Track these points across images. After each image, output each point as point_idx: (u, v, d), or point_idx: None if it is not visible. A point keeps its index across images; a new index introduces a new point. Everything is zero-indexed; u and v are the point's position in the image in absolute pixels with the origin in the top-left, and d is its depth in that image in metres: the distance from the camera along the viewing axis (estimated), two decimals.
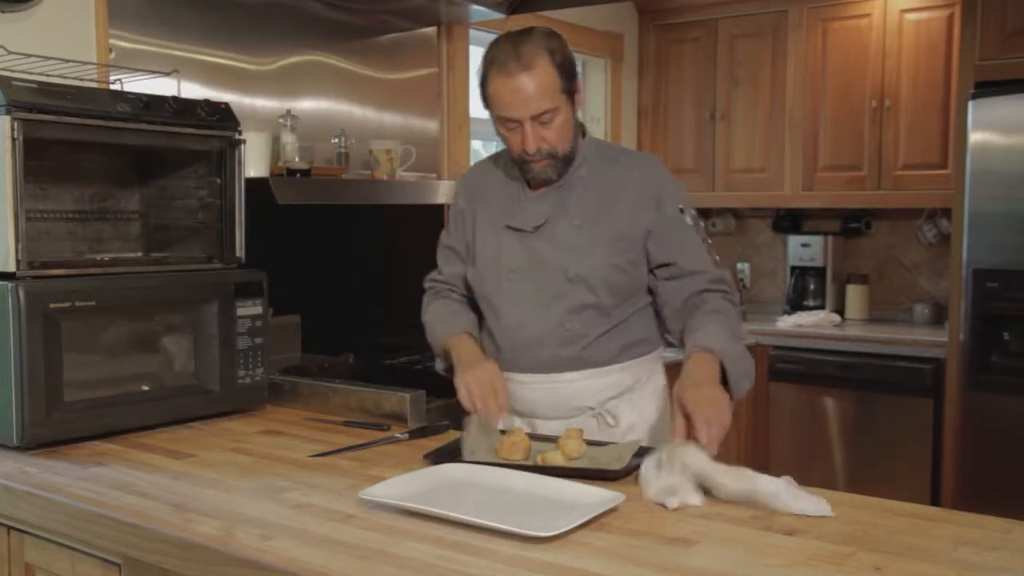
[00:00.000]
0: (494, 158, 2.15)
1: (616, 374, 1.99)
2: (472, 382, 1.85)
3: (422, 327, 2.16)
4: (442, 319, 2.09)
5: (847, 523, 1.43)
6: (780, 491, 1.49)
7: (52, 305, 1.91)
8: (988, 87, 3.36)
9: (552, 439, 1.86)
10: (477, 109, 3.74)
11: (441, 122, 3.54)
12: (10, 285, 1.87)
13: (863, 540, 1.36)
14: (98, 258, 2.19)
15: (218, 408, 2.22)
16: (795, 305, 4.34)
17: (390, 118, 3.31)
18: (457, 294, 2.16)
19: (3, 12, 2.27)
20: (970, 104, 3.38)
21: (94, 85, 2.30)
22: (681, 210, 1.98)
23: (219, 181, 2.27)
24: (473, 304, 2.11)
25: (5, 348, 1.87)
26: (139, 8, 2.56)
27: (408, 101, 3.39)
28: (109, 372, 2.04)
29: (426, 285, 2.21)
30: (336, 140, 2.99)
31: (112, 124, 2.05)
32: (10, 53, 2.12)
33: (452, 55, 3.55)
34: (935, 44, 3.84)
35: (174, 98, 2.18)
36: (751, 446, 4.02)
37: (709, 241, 2.05)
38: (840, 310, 4.27)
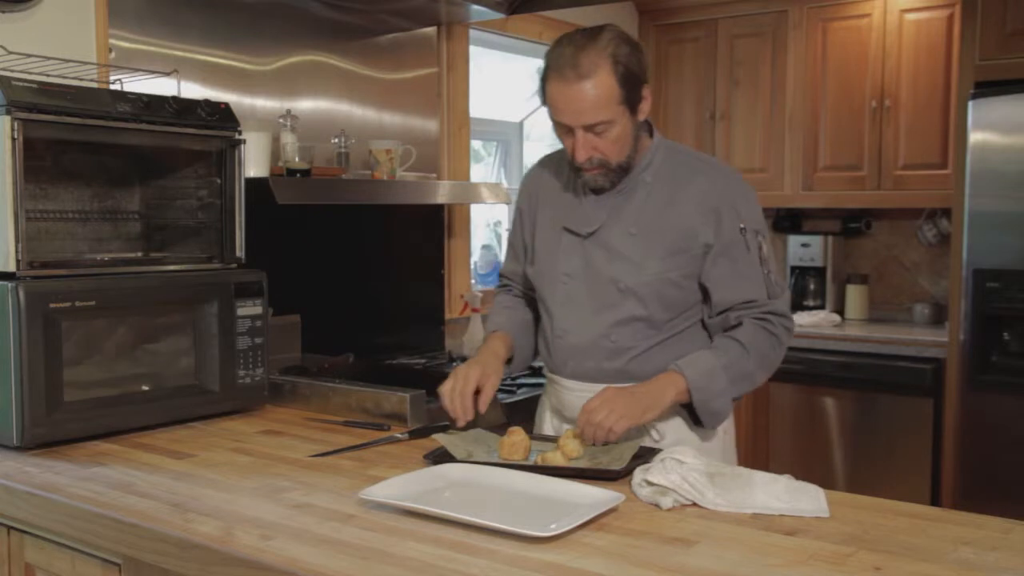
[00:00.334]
0: (560, 155, 2.02)
1: None
2: (454, 378, 1.86)
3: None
4: (494, 313, 2.12)
5: (847, 523, 1.43)
6: (772, 499, 1.49)
7: (52, 305, 1.91)
8: (988, 87, 3.36)
9: (552, 439, 1.87)
10: (477, 109, 3.75)
11: (441, 122, 3.54)
12: (10, 285, 1.87)
13: (863, 540, 1.36)
14: (98, 258, 2.19)
15: (218, 408, 2.22)
16: (795, 305, 4.34)
17: (390, 118, 3.31)
18: (517, 290, 2.15)
19: (3, 12, 2.27)
20: (970, 104, 3.39)
21: (94, 85, 2.30)
22: (743, 230, 1.85)
23: (219, 181, 2.27)
24: (533, 301, 2.08)
25: (5, 348, 1.87)
26: (139, 8, 2.56)
27: (408, 101, 3.39)
28: (109, 372, 2.04)
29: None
30: (336, 140, 2.99)
31: (112, 124, 2.04)
32: (10, 53, 2.12)
33: (452, 55, 3.55)
34: (935, 44, 3.84)
35: (174, 98, 2.18)
36: (751, 446, 4.02)
37: (771, 269, 1.89)
38: (840, 310, 4.27)
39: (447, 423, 2.09)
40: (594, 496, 1.50)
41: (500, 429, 1.87)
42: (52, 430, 1.92)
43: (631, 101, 1.80)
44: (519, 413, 2.50)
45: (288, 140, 2.73)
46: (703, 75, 4.44)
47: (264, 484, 1.66)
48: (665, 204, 1.87)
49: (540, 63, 1.86)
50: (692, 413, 1.85)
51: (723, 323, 1.89)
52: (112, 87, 2.37)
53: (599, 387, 1.88)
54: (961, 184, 3.43)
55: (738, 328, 1.87)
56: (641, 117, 1.85)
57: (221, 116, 2.25)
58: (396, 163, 2.97)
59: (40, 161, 2.12)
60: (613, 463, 1.69)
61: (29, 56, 2.14)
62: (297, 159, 2.71)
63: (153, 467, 1.79)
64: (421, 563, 1.27)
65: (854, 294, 4.27)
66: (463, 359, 2.63)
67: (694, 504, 1.51)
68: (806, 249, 4.33)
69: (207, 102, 2.23)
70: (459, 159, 3.62)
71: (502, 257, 4.25)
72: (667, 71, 4.55)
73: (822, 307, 4.28)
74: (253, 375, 2.27)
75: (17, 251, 1.89)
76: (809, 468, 3.85)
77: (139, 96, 2.11)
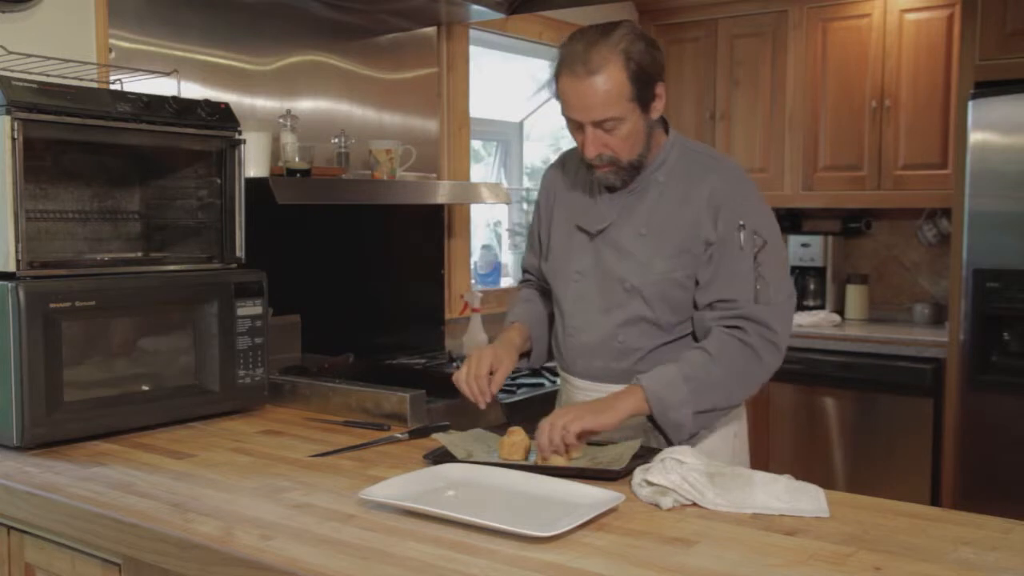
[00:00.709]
0: (578, 151, 1.94)
1: None
2: (467, 364, 1.86)
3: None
4: (515, 305, 2.13)
5: (847, 523, 1.43)
6: (772, 499, 1.49)
7: (52, 305, 1.91)
8: (988, 87, 3.36)
9: None
10: (477, 109, 3.75)
11: (441, 122, 3.54)
12: (10, 285, 1.87)
13: (863, 540, 1.36)
14: (98, 258, 2.19)
15: (218, 408, 2.22)
16: (795, 305, 4.34)
17: (390, 118, 3.31)
18: (535, 283, 2.16)
19: (3, 12, 2.27)
20: (970, 104, 3.38)
21: (94, 85, 2.30)
22: (741, 227, 1.82)
23: (219, 181, 2.27)
24: (551, 294, 2.07)
25: (5, 348, 1.87)
26: (139, 8, 2.56)
27: (408, 101, 3.39)
28: (109, 372, 2.04)
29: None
30: (336, 140, 2.99)
31: (112, 124, 2.04)
32: (10, 53, 2.12)
33: (452, 55, 3.55)
34: (935, 44, 3.84)
35: (174, 98, 2.18)
36: (751, 446, 4.01)
37: (764, 277, 1.83)
38: (840, 310, 4.27)
39: (447, 423, 2.09)
40: (594, 496, 1.50)
41: (500, 429, 1.87)
42: (52, 430, 1.92)
43: (643, 99, 1.77)
44: (519, 413, 2.50)
45: (288, 140, 2.73)
46: (703, 75, 4.44)
47: (264, 484, 1.66)
48: (677, 204, 1.85)
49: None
50: (655, 424, 1.81)
51: (700, 323, 1.86)
52: (112, 87, 2.37)
53: (608, 387, 1.88)
54: (961, 184, 3.43)
55: (708, 338, 1.83)
56: (655, 115, 1.83)
57: (221, 116, 2.25)
58: (396, 163, 2.97)
59: (40, 161, 2.12)
60: (613, 463, 1.69)
61: (29, 56, 2.14)
62: (297, 159, 2.71)
63: (153, 467, 1.79)
64: (421, 563, 1.27)
65: (854, 294, 4.27)
66: (463, 359, 2.63)
67: (694, 504, 1.51)
68: (806, 249, 4.33)
69: (207, 102, 2.23)
70: (459, 159, 3.61)
71: (502, 257, 4.28)
72: (667, 71, 4.54)
73: (822, 307, 4.28)
74: (253, 375, 2.27)
75: (17, 251, 1.89)
76: (809, 468, 3.84)
77: (139, 96, 2.11)
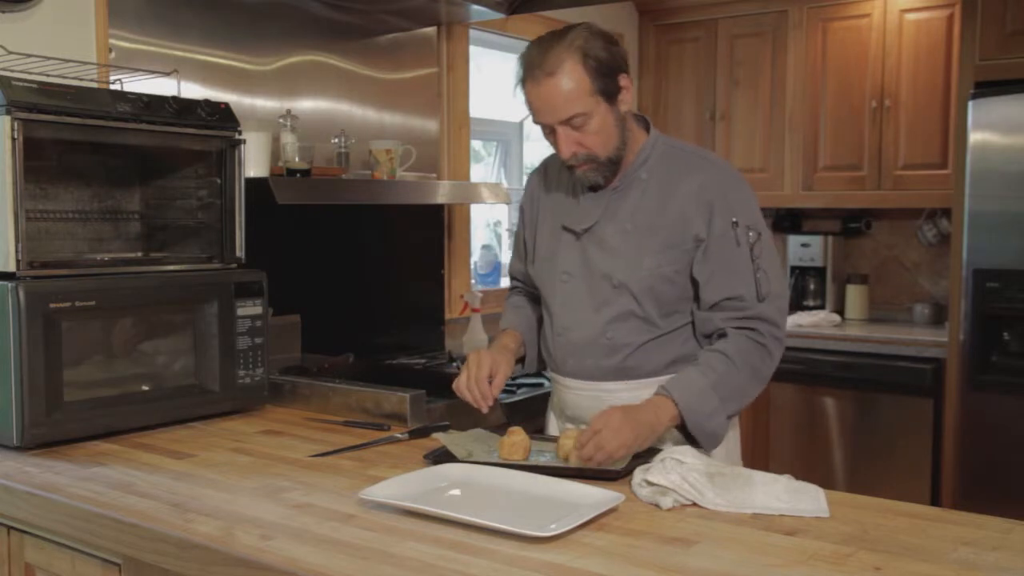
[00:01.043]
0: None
1: None
2: (466, 369, 1.87)
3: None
4: (505, 313, 2.13)
5: (847, 523, 1.43)
6: (772, 499, 1.49)
7: (52, 305, 1.91)
8: (988, 87, 3.36)
9: (553, 439, 1.87)
10: (477, 109, 3.75)
11: (441, 122, 3.54)
12: (10, 285, 1.87)
13: (863, 540, 1.36)
14: (98, 258, 2.19)
15: (218, 408, 2.22)
16: (795, 305, 4.34)
17: (390, 118, 3.31)
18: (523, 288, 2.16)
19: (3, 12, 2.27)
20: (970, 104, 3.38)
21: (94, 85, 2.30)
22: (735, 224, 1.83)
23: (219, 181, 2.27)
24: (540, 299, 2.08)
25: (5, 348, 1.87)
26: (139, 8, 2.56)
27: (408, 101, 3.39)
28: (109, 372, 2.04)
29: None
30: (336, 140, 2.99)
31: (112, 124, 2.04)
32: (10, 53, 2.12)
33: (452, 55, 3.55)
34: (935, 44, 3.84)
35: (174, 98, 2.18)
36: (751, 446, 4.02)
37: (763, 269, 1.84)
38: (840, 310, 4.27)
39: (447, 423, 2.10)
40: (594, 496, 1.50)
41: (500, 429, 1.87)
42: (52, 430, 1.92)
43: (607, 91, 1.78)
44: (519, 413, 2.50)
45: (288, 140, 2.73)
46: (703, 75, 4.44)
47: (264, 484, 1.66)
48: (662, 200, 1.86)
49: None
50: (686, 434, 1.82)
51: (708, 323, 1.87)
52: (112, 87, 2.37)
53: (598, 385, 1.91)
54: (961, 184, 3.43)
55: (724, 340, 1.84)
56: (623, 107, 1.83)
57: (221, 116, 2.25)
58: (396, 163, 2.97)
59: (40, 161, 2.12)
60: (613, 463, 1.68)
61: (29, 56, 2.14)
62: (297, 159, 2.71)
63: (153, 467, 1.79)
64: (421, 563, 1.27)
65: (854, 294, 4.27)
66: (463, 359, 2.63)
67: (694, 504, 1.51)
68: (806, 249, 4.33)
69: (207, 102, 2.23)
70: (459, 159, 3.61)
71: (502, 257, 4.28)
72: (667, 71, 4.55)
73: (822, 307, 4.28)
74: (253, 375, 2.27)
75: (17, 251, 1.89)
76: (809, 468, 3.85)
77: (139, 96, 2.11)
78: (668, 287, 1.86)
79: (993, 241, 3.37)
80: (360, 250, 3.19)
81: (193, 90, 2.64)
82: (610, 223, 1.89)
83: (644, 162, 1.90)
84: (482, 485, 1.60)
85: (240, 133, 2.28)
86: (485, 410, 1.86)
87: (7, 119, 1.86)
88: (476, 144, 4.08)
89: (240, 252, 2.27)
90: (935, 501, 3.55)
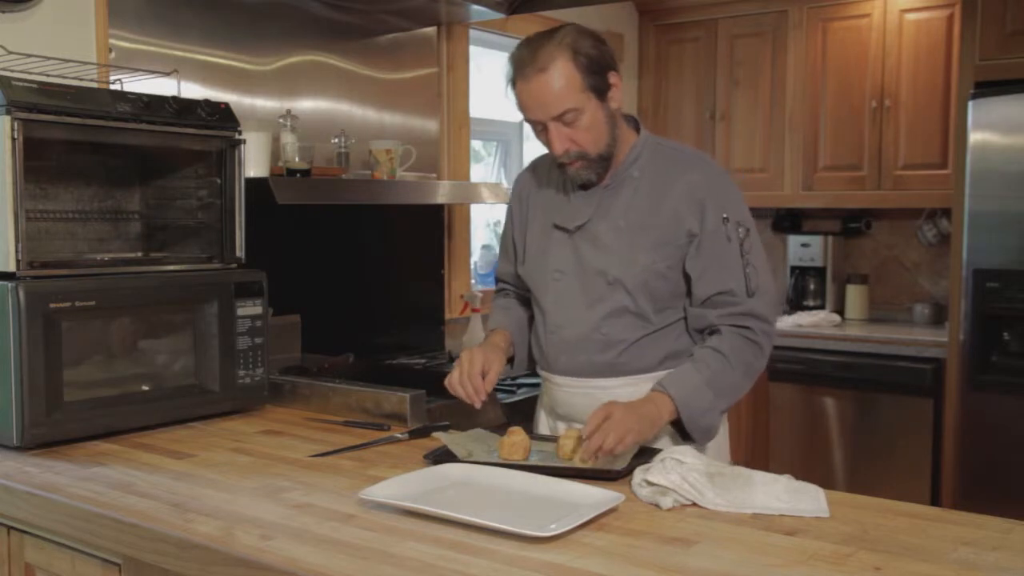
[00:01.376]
0: (549, 156, 2.00)
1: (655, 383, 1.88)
2: (459, 366, 1.87)
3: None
4: (492, 314, 2.14)
5: (847, 523, 1.43)
6: (772, 499, 1.49)
7: (52, 305, 1.91)
8: (988, 87, 3.36)
9: (553, 439, 1.87)
10: (477, 109, 3.75)
11: (441, 122, 3.54)
12: (10, 285, 1.86)
13: (863, 540, 1.36)
14: (98, 258, 2.19)
15: (218, 408, 2.22)
16: (795, 305, 4.35)
17: (390, 118, 3.31)
18: (512, 291, 2.17)
19: (3, 12, 2.27)
20: (970, 104, 3.38)
21: (94, 85, 2.30)
22: (725, 220, 1.86)
23: (219, 181, 2.27)
24: (529, 301, 2.09)
25: (5, 348, 1.87)
26: (139, 8, 2.56)
27: (408, 101, 3.39)
28: (109, 372, 2.04)
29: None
30: (336, 140, 2.99)
31: (112, 124, 2.04)
32: (10, 53, 2.12)
33: (452, 55, 3.55)
34: (935, 44, 3.84)
35: (174, 98, 2.18)
36: (751, 446, 4.02)
37: (752, 264, 1.88)
38: (840, 310, 4.27)
39: (447, 423, 2.09)
40: (594, 496, 1.50)
41: (500, 429, 1.87)
42: (52, 430, 1.92)
43: (597, 88, 1.81)
44: (519, 413, 2.50)
45: (288, 140, 2.73)
46: (703, 75, 4.44)
47: (264, 484, 1.66)
48: (654, 197, 1.89)
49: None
50: (680, 429, 1.85)
51: (701, 319, 1.90)
52: (112, 87, 2.37)
53: (590, 382, 1.92)
54: (961, 184, 3.43)
55: (718, 336, 1.87)
56: (613, 105, 1.85)
57: (221, 116, 2.25)
58: (396, 163, 2.97)
59: (40, 161, 2.12)
60: (613, 463, 1.69)
61: (29, 56, 2.14)
62: (297, 159, 2.71)
63: (153, 467, 1.79)
64: (421, 563, 1.27)
65: (854, 294, 4.27)
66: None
67: (694, 504, 1.51)
68: (806, 249, 4.33)
69: (207, 102, 2.23)
70: (459, 159, 3.61)
71: None
72: (667, 71, 4.55)
73: (822, 307, 4.28)
74: (253, 375, 2.27)
75: (17, 251, 1.89)
76: (809, 468, 3.85)
77: (139, 96, 2.11)
78: (662, 283, 1.89)
79: (993, 241, 3.37)
80: (360, 250, 3.19)
81: (193, 90, 2.64)
82: (603, 220, 1.91)
83: (635, 160, 1.92)
84: (482, 485, 1.60)
85: (240, 133, 2.28)
86: (478, 405, 1.86)
87: (7, 119, 1.86)
88: (476, 144, 4.08)
89: (240, 252, 2.27)
90: (935, 501, 3.55)
